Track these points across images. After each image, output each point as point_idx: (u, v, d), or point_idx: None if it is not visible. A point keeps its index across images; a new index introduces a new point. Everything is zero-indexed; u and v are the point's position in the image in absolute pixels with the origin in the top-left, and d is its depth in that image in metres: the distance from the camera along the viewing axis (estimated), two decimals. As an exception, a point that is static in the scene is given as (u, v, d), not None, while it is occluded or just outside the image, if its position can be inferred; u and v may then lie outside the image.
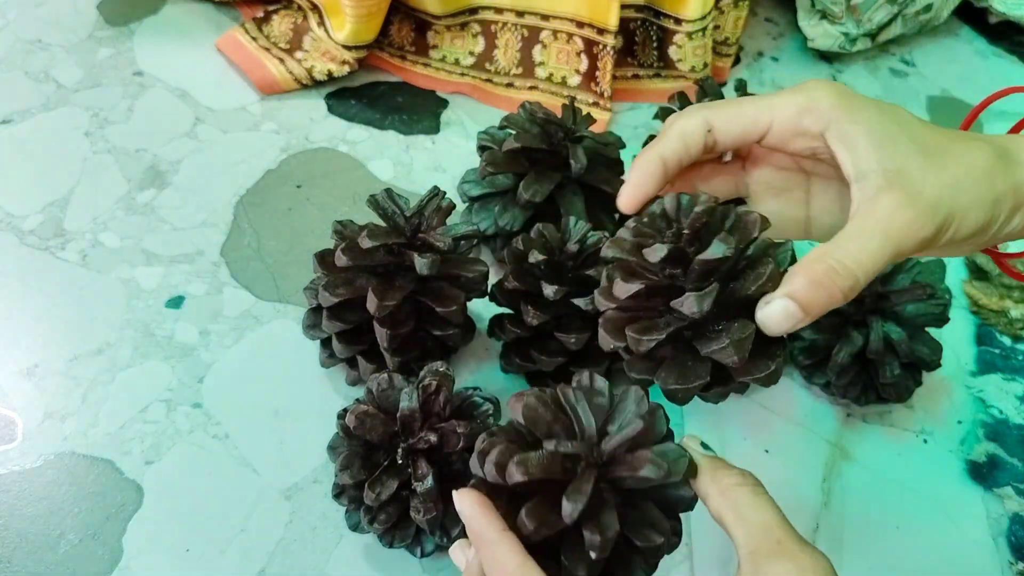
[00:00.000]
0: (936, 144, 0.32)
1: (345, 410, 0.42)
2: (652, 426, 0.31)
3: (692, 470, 0.31)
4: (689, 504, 0.31)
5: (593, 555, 0.28)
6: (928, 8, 0.75)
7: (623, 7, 0.64)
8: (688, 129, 0.34)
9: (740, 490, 0.30)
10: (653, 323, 0.31)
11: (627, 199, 0.34)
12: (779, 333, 0.30)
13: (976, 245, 0.34)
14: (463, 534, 0.33)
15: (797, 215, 0.37)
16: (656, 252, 0.30)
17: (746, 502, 0.30)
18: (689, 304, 0.30)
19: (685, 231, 0.31)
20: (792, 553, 0.28)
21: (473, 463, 0.31)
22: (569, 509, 0.28)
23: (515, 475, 0.28)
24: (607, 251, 0.32)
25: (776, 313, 0.30)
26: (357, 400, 0.41)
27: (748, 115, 0.34)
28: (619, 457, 0.30)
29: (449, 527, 0.41)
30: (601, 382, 0.32)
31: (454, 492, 0.31)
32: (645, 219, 0.33)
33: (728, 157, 0.38)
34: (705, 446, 0.33)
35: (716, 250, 0.30)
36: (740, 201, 0.37)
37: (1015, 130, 0.37)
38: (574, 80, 0.67)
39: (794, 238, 0.38)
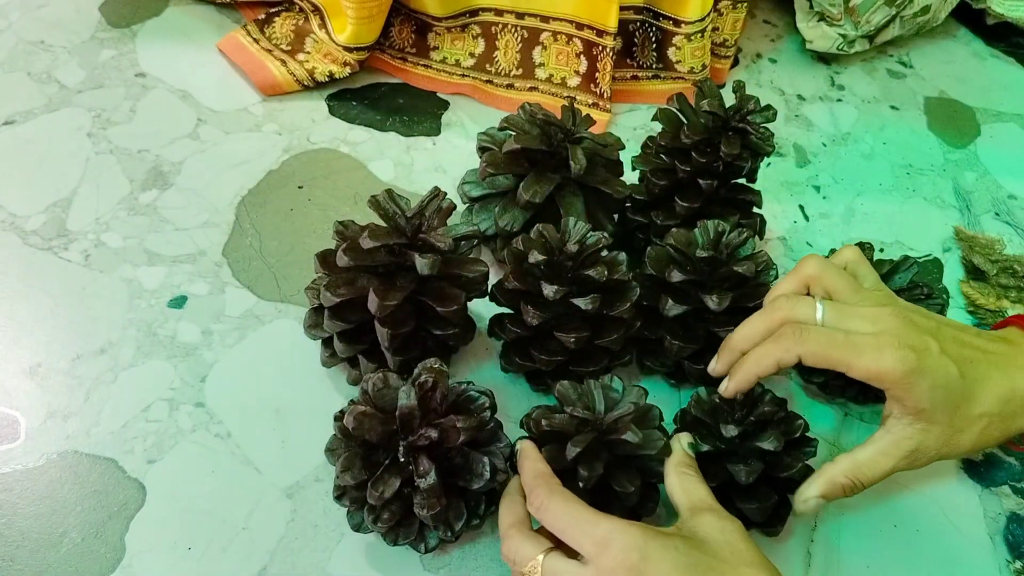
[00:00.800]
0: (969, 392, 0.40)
1: (342, 412, 0.42)
2: (641, 411, 0.43)
3: (665, 450, 0.42)
4: (661, 477, 0.42)
5: (580, 485, 0.40)
6: (926, 10, 0.75)
7: (622, 9, 0.64)
8: (783, 361, 0.41)
9: (689, 474, 0.41)
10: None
11: (730, 390, 0.44)
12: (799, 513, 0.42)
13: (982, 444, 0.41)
14: (466, 528, 0.42)
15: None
16: (728, 430, 0.43)
17: (692, 483, 0.40)
18: (737, 472, 0.43)
19: (751, 418, 0.43)
20: (718, 511, 0.38)
21: (522, 424, 0.44)
22: (571, 452, 0.40)
23: (543, 425, 0.41)
24: (693, 408, 0.45)
25: (811, 508, 0.42)
26: (352, 401, 0.41)
27: (832, 360, 0.40)
28: (613, 427, 0.41)
29: (452, 521, 0.41)
30: (617, 382, 0.43)
31: (519, 439, 0.43)
32: (717, 398, 0.45)
33: None
34: (694, 446, 0.43)
35: (768, 444, 0.42)
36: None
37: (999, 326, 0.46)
38: (574, 81, 0.68)
39: None
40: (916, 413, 0.39)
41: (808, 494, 0.42)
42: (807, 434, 0.44)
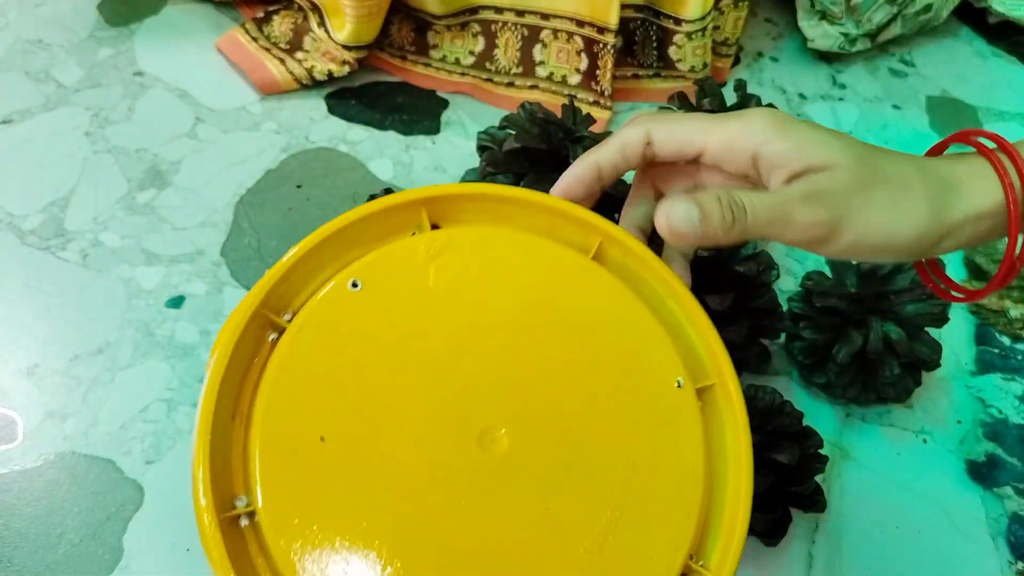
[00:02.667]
0: (872, 161, 0.33)
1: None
2: None
3: None
4: None
5: None
6: (928, 8, 0.75)
7: (623, 7, 0.64)
8: (628, 140, 0.36)
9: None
10: None
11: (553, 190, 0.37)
12: (673, 235, 0.32)
13: (896, 257, 0.34)
14: None
15: None
16: None
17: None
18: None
19: (768, 428, 0.43)
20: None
21: None
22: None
23: None
24: None
25: (679, 211, 0.32)
26: None
27: (685, 135, 0.35)
28: None
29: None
30: None
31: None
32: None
33: None
34: None
35: (784, 457, 0.42)
36: None
37: (940, 148, 0.38)
38: (574, 79, 0.67)
39: None
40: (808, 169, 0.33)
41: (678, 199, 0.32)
42: (820, 451, 0.44)
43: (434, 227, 0.35)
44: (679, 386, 0.33)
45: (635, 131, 0.36)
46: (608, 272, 0.35)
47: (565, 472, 0.31)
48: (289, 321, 0.32)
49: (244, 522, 0.29)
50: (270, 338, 0.33)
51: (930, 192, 0.33)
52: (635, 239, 0.36)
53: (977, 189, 0.33)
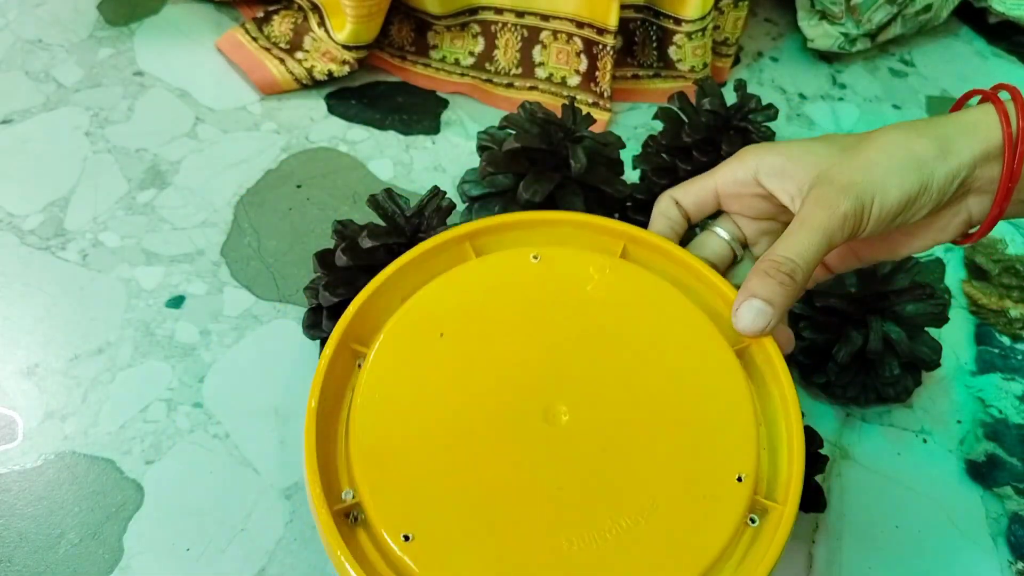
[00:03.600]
0: (856, 139, 0.37)
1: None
2: None
3: None
4: None
5: None
6: (927, 8, 0.75)
7: (622, 7, 0.64)
8: (666, 212, 0.42)
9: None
10: None
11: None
12: (758, 332, 0.36)
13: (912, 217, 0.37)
14: None
15: None
16: None
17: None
18: None
19: None
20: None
21: None
22: None
23: None
24: None
25: (747, 313, 0.36)
26: None
27: (696, 188, 0.41)
28: None
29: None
30: None
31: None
32: None
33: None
34: None
35: None
36: None
37: (958, 105, 0.40)
38: (574, 80, 0.67)
39: None
40: (797, 192, 0.37)
41: (739, 301, 0.36)
42: (820, 451, 0.44)
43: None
44: (716, 349, 0.38)
45: (665, 202, 0.42)
46: (638, 266, 0.41)
47: (624, 434, 0.36)
48: (369, 348, 0.38)
49: (354, 518, 0.34)
50: (357, 364, 0.38)
51: (931, 140, 0.35)
52: (654, 234, 0.41)
53: (984, 131, 0.35)
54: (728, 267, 0.43)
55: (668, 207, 0.42)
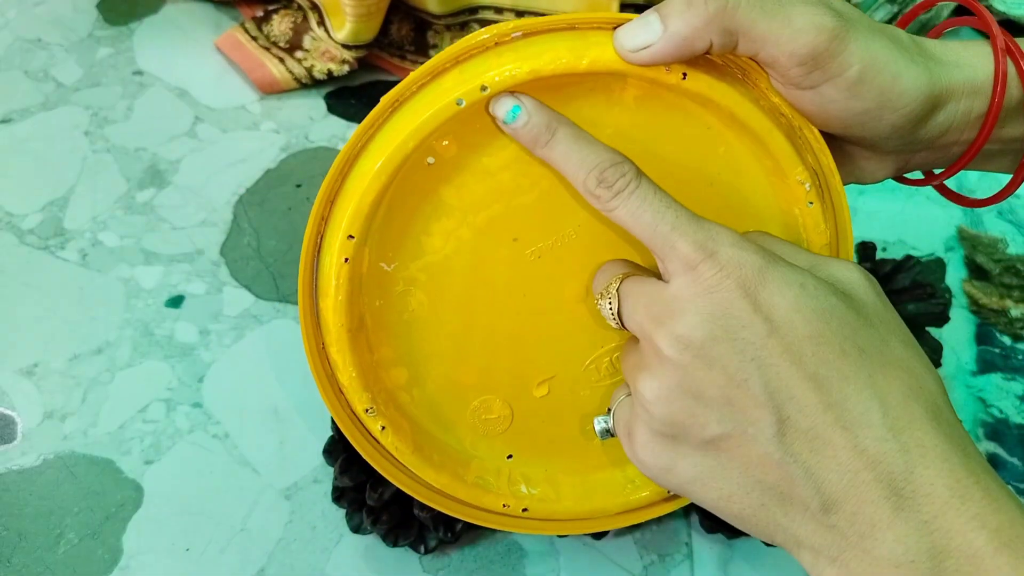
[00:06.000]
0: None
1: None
2: None
3: None
4: None
5: None
6: (927, 8, 0.75)
7: (622, 8, 0.64)
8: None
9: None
10: None
11: None
12: (632, 47, 0.29)
13: (900, 132, 0.33)
14: (466, 529, 0.41)
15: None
16: None
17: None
18: None
19: None
20: (853, 263, 0.32)
21: None
22: None
23: None
24: None
25: (632, 26, 0.29)
26: None
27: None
28: None
29: (452, 522, 0.41)
30: None
31: None
32: None
33: None
34: None
35: None
36: None
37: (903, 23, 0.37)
38: (574, 79, 0.67)
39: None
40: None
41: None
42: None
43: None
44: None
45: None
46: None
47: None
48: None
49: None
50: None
51: (923, 57, 0.33)
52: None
53: (974, 63, 0.34)
54: None
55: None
